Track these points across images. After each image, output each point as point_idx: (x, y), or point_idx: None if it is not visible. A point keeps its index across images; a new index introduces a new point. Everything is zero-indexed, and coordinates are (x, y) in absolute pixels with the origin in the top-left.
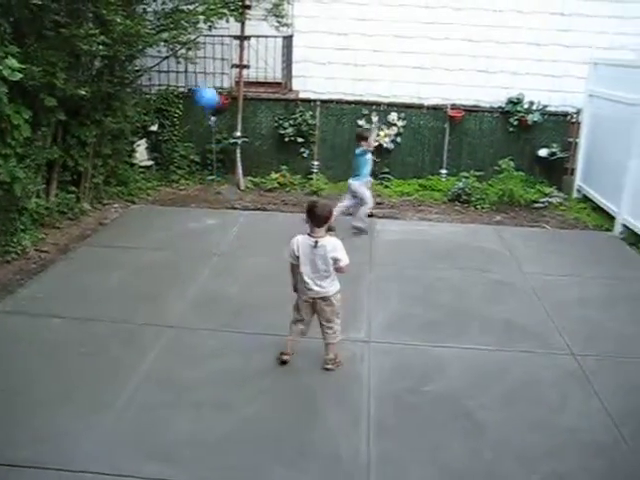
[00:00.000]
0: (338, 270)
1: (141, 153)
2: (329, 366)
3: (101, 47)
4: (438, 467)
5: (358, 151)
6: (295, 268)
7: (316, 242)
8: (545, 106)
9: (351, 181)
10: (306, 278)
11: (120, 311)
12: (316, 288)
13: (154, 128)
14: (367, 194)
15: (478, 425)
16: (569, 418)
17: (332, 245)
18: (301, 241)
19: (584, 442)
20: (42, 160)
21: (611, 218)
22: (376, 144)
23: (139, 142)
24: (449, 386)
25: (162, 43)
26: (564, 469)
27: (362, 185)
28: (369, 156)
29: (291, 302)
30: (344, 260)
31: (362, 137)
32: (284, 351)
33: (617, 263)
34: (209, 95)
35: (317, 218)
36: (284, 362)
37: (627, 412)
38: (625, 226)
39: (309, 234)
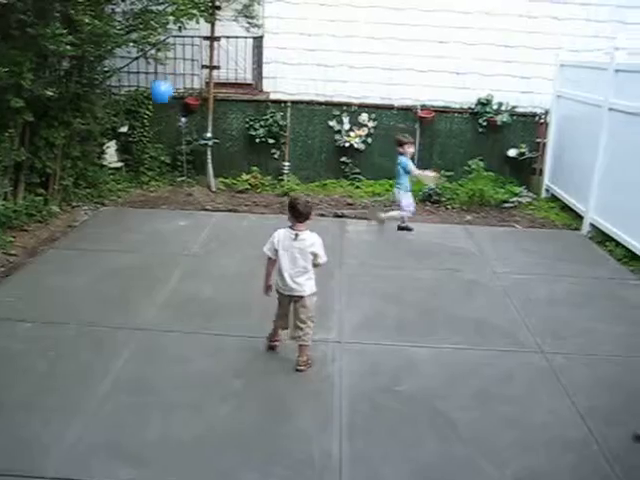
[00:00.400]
0: (315, 266)
1: (111, 155)
2: (301, 367)
3: (69, 47)
4: (411, 466)
5: (399, 159)
6: (271, 264)
7: (296, 235)
8: (514, 107)
9: (395, 190)
10: (284, 273)
11: (90, 314)
12: (293, 285)
13: (124, 129)
14: (405, 202)
15: (450, 423)
16: (539, 415)
17: (312, 240)
18: (282, 234)
19: (554, 438)
20: (9, 162)
21: (579, 217)
22: (347, 145)
23: (109, 144)
24: (421, 385)
25: (131, 44)
26: (535, 464)
27: (404, 194)
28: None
29: (262, 303)
30: (322, 257)
31: (401, 143)
32: (274, 338)
33: (585, 261)
34: (163, 89)
35: (299, 213)
36: (272, 348)
37: (595, 408)
38: (593, 225)
39: (290, 227)
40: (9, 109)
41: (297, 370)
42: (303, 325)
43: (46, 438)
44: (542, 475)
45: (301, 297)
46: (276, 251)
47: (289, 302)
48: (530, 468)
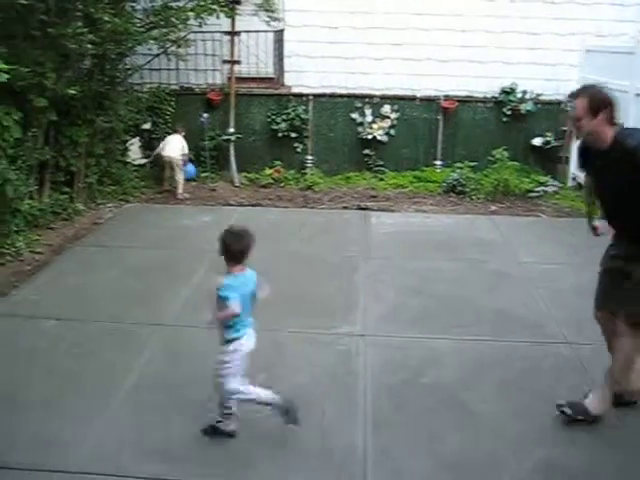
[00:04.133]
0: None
1: (134, 152)
2: None
3: (90, 46)
4: (434, 458)
5: None
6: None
7: None
8: (538, 95)
9: None
10: None
11: (114, 311)
12: None
13: (147, 126)
14: None
15: (475, 416)
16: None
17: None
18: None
19: (581, 431)
20: (34, 161)
21: None
22: (370, 137)
23: (132, 141)
24: (446, 378)
25: (152, 41)
26: (561, 457)
27: None
28: None
29: (284, 299)
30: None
31: None
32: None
33: None
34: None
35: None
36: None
37: None
38: None
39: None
40: (33, 108)
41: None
42: None
43: (71, 434)
44: (568, 468)
45: None
46: None
47: None
48: (555, 461)
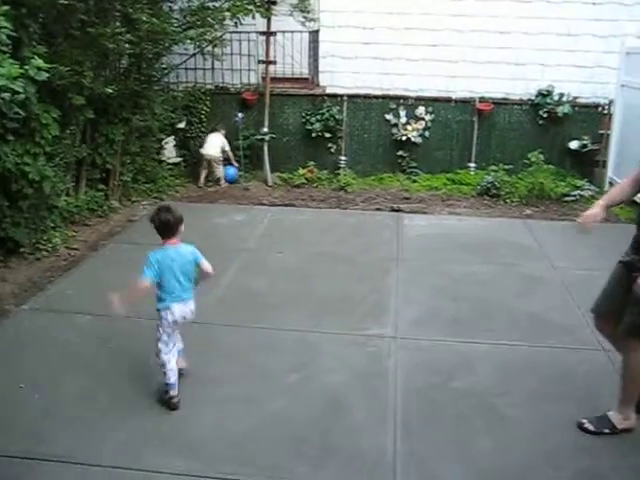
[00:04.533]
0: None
1: (169, 150)
2: None
3: (127, 45)
4: (465, 464)
5: None
6: None
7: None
8: (575, 98)
9: None
10: None
11: (147, 307)
12: None
13: (182, 125)
14: None
15: (506, 422)
16: (600, 414)
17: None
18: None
19: (615, 441)
20: (71, 158)
21: None
22: (404, 138)
23: (167, 139)
24: (477, 382)
25: (188, 40)
26: (594, 467)
27: None
28: None
29: (317, 298)
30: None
31: None
32: None
33: None
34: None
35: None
36: None
37: None
38: None
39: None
40: (71, 107)
41: None
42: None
43: (102, 428)
44: (602, 478)
45: None
46: None
47: None
48: (589, 471)
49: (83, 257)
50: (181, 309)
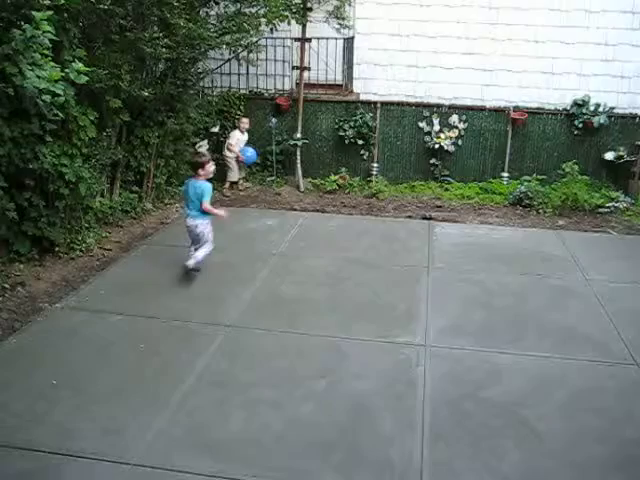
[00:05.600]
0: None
1: None
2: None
3: (165, 50)
4: (493, 475)
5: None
6: None
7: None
8: (612, 108)
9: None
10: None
11: (178, 309)
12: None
13: (215, 129)
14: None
15: (536, 434)
16: (631, 430)
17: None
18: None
19: None
20: (106, 160)
21: None
22: (436, 146)
23: (200, 143)
24: (506, 393)
25: (224, 46)
26: None
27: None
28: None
29: (348, 304)
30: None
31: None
32: None
33: None
34: (249, 154)
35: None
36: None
37: None
38: None
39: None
40: (108, 109)
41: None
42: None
43: (132, 427)
44: None
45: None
46: None
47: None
48: None
49: (116, 258)
50: (187, 220)
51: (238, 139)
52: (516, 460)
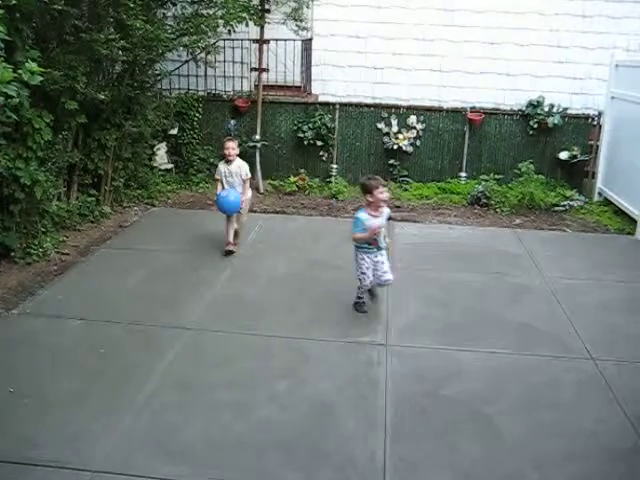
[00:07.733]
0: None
1: (161, 156)
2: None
3: (121, 52)
4: (455, 471)
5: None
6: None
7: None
8: (566, 109)
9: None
10: None
11: (138, 313)
12: None
13: (174, 132)
14: None
15: (495, 429)
16: (588, 423)
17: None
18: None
19: (603, 447)
20: (63, 163)
21: (633, 221)
22: (395, 147)
23: (159, 145)
24: (467, 390)
25: (182, 47)
26: (583, 474)
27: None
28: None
29: (308, 305)
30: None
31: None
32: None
33: (639, 267)
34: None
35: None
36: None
37: None
38: None
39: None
40: (64, 112)
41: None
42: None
43: (93, 433)
44: None
45: None
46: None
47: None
48: (577, 478)
49: (74, 262)
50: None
51: (223, 172)
52: (477, 455)
